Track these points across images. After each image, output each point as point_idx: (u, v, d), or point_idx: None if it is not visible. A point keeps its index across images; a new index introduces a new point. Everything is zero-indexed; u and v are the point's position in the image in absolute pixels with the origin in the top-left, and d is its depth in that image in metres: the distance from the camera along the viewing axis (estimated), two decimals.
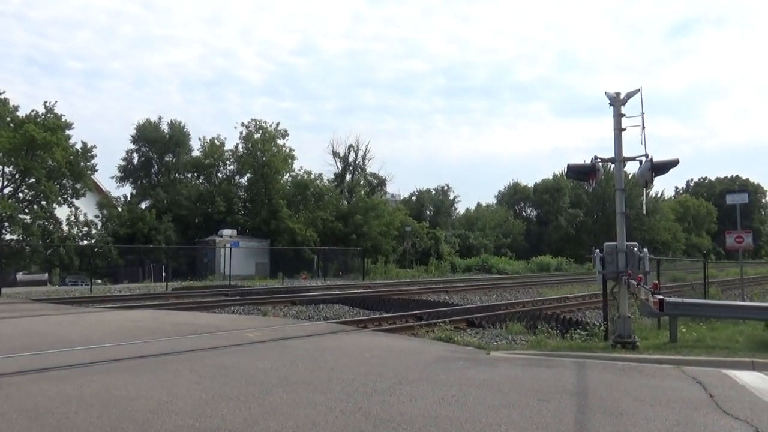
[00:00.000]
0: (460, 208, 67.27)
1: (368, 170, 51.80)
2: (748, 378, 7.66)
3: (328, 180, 47.93)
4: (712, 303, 13.26)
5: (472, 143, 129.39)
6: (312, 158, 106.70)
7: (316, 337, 10.91)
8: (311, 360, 8.46)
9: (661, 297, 10.08)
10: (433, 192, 61.59)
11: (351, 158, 50.53)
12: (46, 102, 34.01)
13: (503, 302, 20.27)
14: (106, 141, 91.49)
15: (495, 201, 71.87)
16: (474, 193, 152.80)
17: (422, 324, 13.46)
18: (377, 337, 11.38)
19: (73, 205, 34.32)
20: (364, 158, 50.94)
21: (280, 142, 43.99)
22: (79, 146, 34.78)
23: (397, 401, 6.07)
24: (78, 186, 34.42)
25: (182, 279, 32.48)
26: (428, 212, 58.59)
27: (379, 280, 35.43)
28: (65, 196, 33.99)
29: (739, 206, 17.42)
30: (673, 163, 10.30)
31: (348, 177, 50.53)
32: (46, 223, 33.01)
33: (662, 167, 10.24)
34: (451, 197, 62.50)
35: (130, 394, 6.21)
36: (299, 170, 45.15)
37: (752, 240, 18.25)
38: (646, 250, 10.53)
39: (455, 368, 8.09)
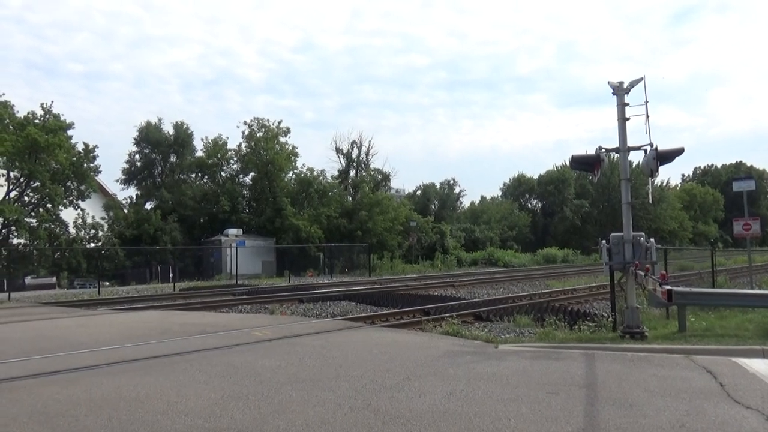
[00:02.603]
0: (465, 202, 67.11)
1: (372, 166, 51.75)
2: (758, 366, 7.62)
3: (331, 177, 47.92)
4: (720, 292, 13.20)
5: (473, 136, 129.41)
6: (315, 155, 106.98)
7: (323, 335, 10.92)
8: (319, 357, 8.47)
9: (669, 287, 10.04)
10: (438, 186, 61.45)
11: (354, 154, 50.47)
12: (43, 104, 34.13)
13: (510, 295, 20.22)
14: (109, 143, 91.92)
15: (500, 194, 71.65)
16: (477, 186, 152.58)
17: (429, 319, 13.45)
18: (385, 333, 11.38)
19: (79, 207, 34.43)
20: (367, 154, 50.90)
21: (282, 140, 43.99)
22: (81, 147, 34.89)
23: (406, 397, 6.07)
24: (83, 188, 34.50)
25: (189, 279, 32.59)
26: (433, 207, 58.42)
27: (385, 275, 35.42)
28: (70, 198, 34.07)
29: (745, 193, 17.30)
30: (679, 152, 10.23)
31: (352, 173, 50.47)
32: (53, 226, 33.12)
33: (667, 156, 10.17)
34: (457, 191, 62.33)
35: (139, 395, 6.23)
36: (302, 168, 45.20)
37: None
38: (652, 239, 10.47)
39: (463, 362, 8.08)
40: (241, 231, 39.36)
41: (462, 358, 8.45)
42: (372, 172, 51.23)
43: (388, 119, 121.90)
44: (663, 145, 10.07)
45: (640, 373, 7.24)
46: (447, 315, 13.43)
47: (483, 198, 70.75)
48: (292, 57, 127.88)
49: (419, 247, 46.66)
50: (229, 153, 45.07)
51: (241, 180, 45.60)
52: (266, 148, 42.79)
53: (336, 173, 49.52)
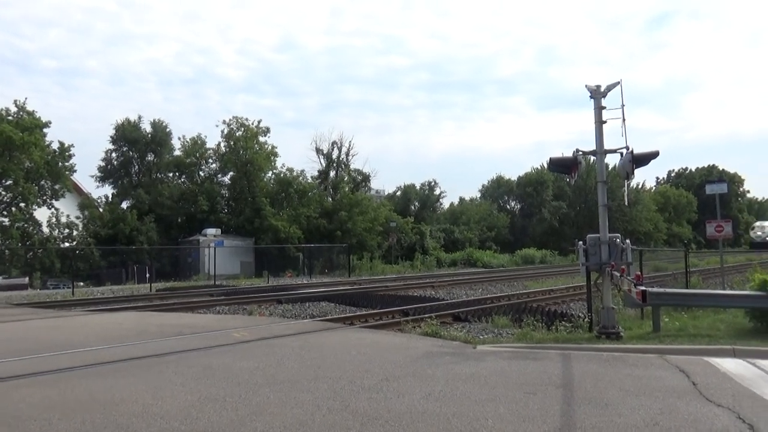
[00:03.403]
0: (446, 203, 67.33)
1: (352, 166, 51.66)
2: (729, 365, 7.80)
3: (311, 177, 47.74)
4: (693, 292, 13.45)
5: (454, 138, 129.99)
6: (295, 155, 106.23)
7: (302, 336, 10.88)
8: (298, 358, 8.44)
9: (643, 288, 10.20)
10: (419, 187, 61.58)
11: (335, 155, 50.32)
12: (16, 100, 33.50)
13: (489, 296, 20.35)
14: (85, 141, 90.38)
15: (479, 195, 72.10)
16: (458, 187, 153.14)
17: (409, 319, 13.47)
18: (364, 334, 11.38)
19: (53, 207, 33.81)
20: (347, 154, 50.75)
21: (262, 139, 43.67)
22: (56, 146, 34.28)
23: (385, 398, 6.08)
24: (57, 187, 33.90)
25: (166, 280, 32.11)
26: (413, 207, 58.51)
27: (365, 276, 35.39)
28: (44, 197, 33.46)
29: (718, 196, 17.66)
30: (654, 155, 10.42)
31: (332, 173, 50.31)
32: (26, 225, 32.47)
33: (643, 159, 10.35)
34: (438, 192, 62.53)
35: (114, 398, 6.14)
36: (282, 167, 44.94)
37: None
38: (628, 241, 10.64)
39: (442, 363, 8.12)
40: (219, 231, 38.99)
41: (441, 358, 8.49)
42: (352, 173, 51.16)
43: (369, 120, 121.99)
44: (639, 149, 10.25)
45: (616, 373, 7.35)
46: (426, 316, 13.47)
47: (462, 199, 71.17)
48: (272, 56, 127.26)
49: (399, 247, 46.72)
50: (208, 152, 44.66)
51: (219, 180, 45.19)
52: (245, 147, 42.46)
53: (316, 173, 49.38)
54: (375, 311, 15.57)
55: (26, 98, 35.03)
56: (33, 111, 33.63)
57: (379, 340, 10.52)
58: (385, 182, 66.86)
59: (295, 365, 7.92)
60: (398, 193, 60.90)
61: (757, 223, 67.73)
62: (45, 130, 33.79)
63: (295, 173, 44.54)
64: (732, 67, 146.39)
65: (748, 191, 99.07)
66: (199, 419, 5.33)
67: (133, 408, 5.72)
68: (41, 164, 32.13)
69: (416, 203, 59.68)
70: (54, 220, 33.80)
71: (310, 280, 31.74)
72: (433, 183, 61.56)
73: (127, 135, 43.64)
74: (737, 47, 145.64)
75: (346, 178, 49.85)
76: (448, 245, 53.00)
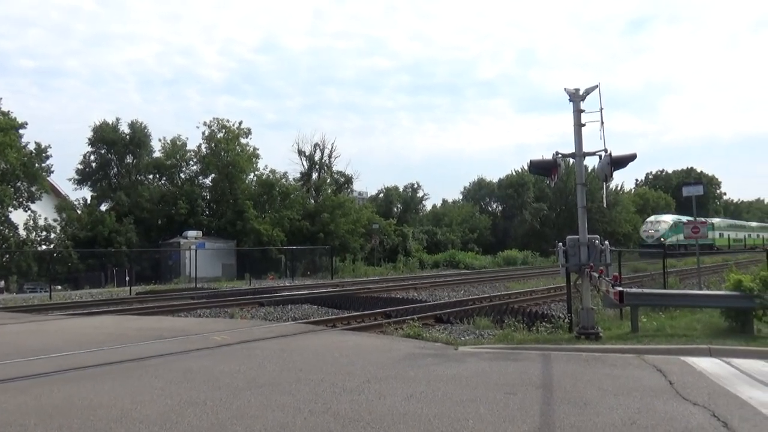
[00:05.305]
0: (428, 205, 67.51)
1: (334, 168, 51.57)
2: (705, 364, 7.95)
3: (293, 179, 47.53)
4: (670, 293, 13.67)
5: (437, 140, 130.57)
6: (277, 157, 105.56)
7: (284, 338, 10.84)
8: (279, 361, 8.41)
9: (621, 289, 10.33)
10: (402, 189, 61.66)
11: (317, 157, 50.20)
12: None
13: (471, 297, 20.44)
14: (64, 142, 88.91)
15: (461, 197, 72.42)
16: (441, 189, 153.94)
17: (391, 321, 13.49)
18: (346, 336, 11.37)
19: (30, 209, 33.24)
20: (330, 156, 50.65)
21: (243, 141, 43.41)
22: (32, 147, 33.71)
23: (366, 400, 6.09)
24: (33, 189, 33.34)
25: (146, 283, 31.72)
26: (396, 209, 58.57)
27: (347, 278, 35.33)
28: (20, 199, 32.87)
29: (694, 198, 17.97)
30: (631, 158, 10.58)
31: (314, 175, 50.16)
32: (1, 227, 31.88)
33: (621, 161, 10.51)
34: (420, 195, 62.66)
35: (92, 403, 6.06)
36: (264, 169, 44.71)
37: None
38: (607, 242, 10.78)
39: (424, 365, 8.15)
40: (200, 233, 38.62)
41: (422, 360, 8.52)
42: (334, 175, 51.07)
43: (351, 122, 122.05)
44: (618, 151, 10.40)
45: (594, 373, 7.44)
46: (408, 317, 13.51)
47: (445, 201, 71.43)
48: (254, 57, 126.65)
49: (382, 249, 46.72)
50: (189, 154, 44.24)
51: (200, 182, 44.79)
52: (227, 149, 42.15)
53: (298, 175, 49.18)
54: (357, 313, 15.55)
55: (1, 99, 34.41)
56: (8, 111, 33.11)
57: (361, 342, 10.52)
58: (367, 184, 67.26)
59: (276, 368, 7.89)
60: (381, 195, 60.90)
61: (651, 218, 55.51)
62: (21, 131, 33.29)
63: (277, 175, 44.39)
64: (709, 70, 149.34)
65: (725, 193, 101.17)
66: (179, 423, 5.29)
67: (112, 413, 5.66)
68: (17, 165, 31.56)
69: (399, 205, 59.76)
70: (31, 222, 33.23)
71: (293, 283, 31.60)
72: (416, 185, 61.78)
73: (105, 136, 43.00)
74: (715, 50, 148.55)
75: (328, 180, 49.74)
76: (430, 247, 53.13)
